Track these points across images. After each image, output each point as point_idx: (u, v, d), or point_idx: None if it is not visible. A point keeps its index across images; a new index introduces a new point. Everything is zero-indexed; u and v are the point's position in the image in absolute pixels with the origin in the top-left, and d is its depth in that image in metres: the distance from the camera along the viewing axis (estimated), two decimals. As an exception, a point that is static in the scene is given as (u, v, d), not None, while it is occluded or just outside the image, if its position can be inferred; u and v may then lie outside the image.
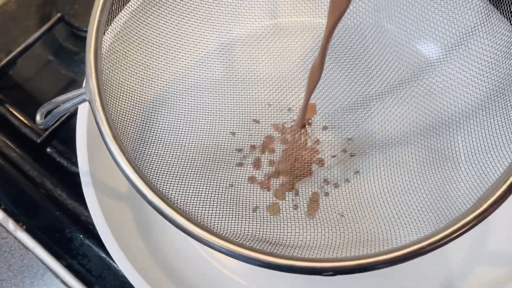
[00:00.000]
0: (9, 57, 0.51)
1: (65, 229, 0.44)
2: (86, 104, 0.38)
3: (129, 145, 0.34)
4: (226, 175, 0.41)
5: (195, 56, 0.45)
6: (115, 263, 0.38)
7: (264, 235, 0.36)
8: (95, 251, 0.43)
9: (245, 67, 0.46)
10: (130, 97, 0.38)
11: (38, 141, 0.47)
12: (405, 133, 0.43)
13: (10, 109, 0.50)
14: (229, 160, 0.42)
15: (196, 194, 0.37)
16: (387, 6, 0.46)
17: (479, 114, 0.41)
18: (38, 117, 0.33)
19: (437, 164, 0.41)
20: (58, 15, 0.53)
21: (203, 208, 0.35)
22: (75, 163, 0.44)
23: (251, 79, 0.46)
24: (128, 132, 0.35)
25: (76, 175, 0.40)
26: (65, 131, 0.48)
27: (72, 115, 0.47)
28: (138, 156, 0.35)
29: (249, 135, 0.43)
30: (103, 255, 0.42)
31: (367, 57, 0.46)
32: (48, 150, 0.47)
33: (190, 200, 0.35)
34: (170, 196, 0.32)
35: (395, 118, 0.43)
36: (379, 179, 0.40)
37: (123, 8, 0.39)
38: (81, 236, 0.43)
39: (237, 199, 0.40)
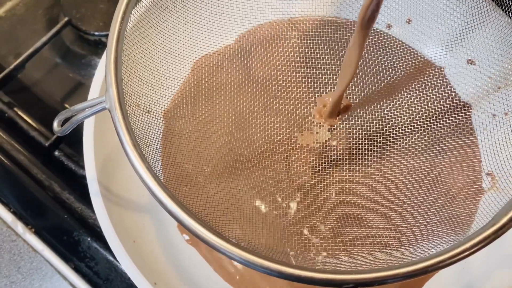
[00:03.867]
0: (17, 61, 0.51)
1: (73, 232, 0.44)
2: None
3: (148, 153, 0.34)
4: (246, 184, 0.41)
5: (211, 61, 0.45)
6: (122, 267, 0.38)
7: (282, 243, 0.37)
8: (102, 254, 0.43)
9: (261, 67, 0.46)
10: (147, 105, 0.38)
11: (46, 144, 0.48)
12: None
13: (19, 112, 0.50)
14: (248, 167, 0.42)
15: (215, 203, 0.37)
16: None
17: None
18: (55, 125, 0.32)
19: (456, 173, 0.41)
20: (66, 18, 0.53)
21: (222, 218, 0.36)
22: (82, 166, 0.45)
23: (268, 80, 0.46)
24: (146, 140, 0.35)
25: (84, 178, 0.41)
26: (73, 134, 0.47)
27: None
28: (156, 164, 0.34)
29: (269, 139, 0.43)
30: (111, 258, 0.43)
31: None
32: (56, 153, 0.48)
33: (209, 209, 0.36)
34: (189, 206, 0.31)
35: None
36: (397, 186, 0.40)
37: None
38: (89, 239, 0.44)
39: (254, 208, 0.40)
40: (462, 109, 0.43)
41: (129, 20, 0.34)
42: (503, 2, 0.42)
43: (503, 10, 0.42)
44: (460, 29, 0.44)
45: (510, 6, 0.41)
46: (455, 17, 0.44)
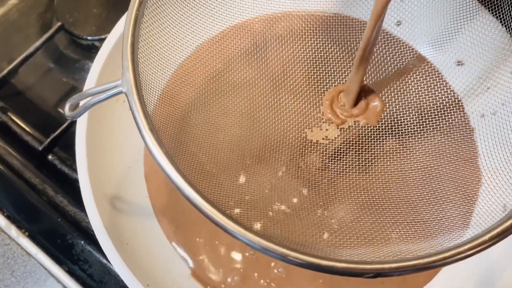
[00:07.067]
0: (11, 66, 0.51)
1: (67, 235, 0.44)
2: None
3: (164, 139, 0.33)
4: (261, 173, 0.41)
5: (225, 52, 0.45)
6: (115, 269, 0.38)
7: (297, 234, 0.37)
8: (96, 256, 0.43)
9: (272, 62, 0.46)
10: (162, 92, 0.38)
11: (40, 148, 0.48)
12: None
13: (12, 117, 0.51)
14: (259, 160, 0.42)
15: (228, 192, 0.37)
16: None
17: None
18: (67, 108, 0.31)
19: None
20: (59, 23, 0.53)
21: (237, 205, 0.36)
22: (76, 170, 0.45)
23: (279, 75, 0.45)
24: (161, 126, 0.35)
25: (77, 182, 0.41)
26: (66, 138, 0.48)
27: (73, 122, 0.47)
28: (172, 150, 0.34)
29: (279, 134, 0.43)
30: (104, 260, 0.43)
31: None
32: (50, 157, 0.48)
33: (225, 197, 0.35)
34: (206, 193, 0.30)
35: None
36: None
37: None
38: (82, 242, 0.44)
39: (272, 198, 0.40)
40: (460, 107, 0.43)
41: (146, 6, 0.34)
42: (491, 3, 0.42)
43: (490, 11, 0.43)
44: (449, 30, 0.45)
45: (497, 8, 0.42)
46: (444, 18, 0.44)
